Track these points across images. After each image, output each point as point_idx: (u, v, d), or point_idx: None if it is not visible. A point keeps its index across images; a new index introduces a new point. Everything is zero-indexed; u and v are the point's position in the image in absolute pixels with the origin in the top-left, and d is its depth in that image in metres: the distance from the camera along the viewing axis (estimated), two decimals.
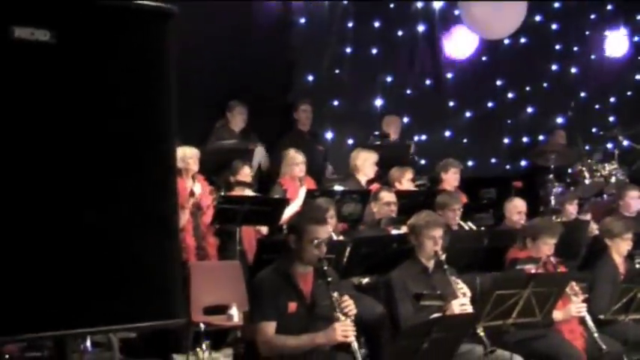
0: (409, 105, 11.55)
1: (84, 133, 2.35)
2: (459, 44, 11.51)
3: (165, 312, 2.53)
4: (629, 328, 5.94)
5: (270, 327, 4.67)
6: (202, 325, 6.37)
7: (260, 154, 8.99)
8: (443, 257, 5.65)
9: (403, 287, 5.50)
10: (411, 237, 5.77)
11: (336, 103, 10.78)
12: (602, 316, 6.04)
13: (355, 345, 4.58)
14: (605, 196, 10.17)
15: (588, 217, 8.55)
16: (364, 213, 7.65)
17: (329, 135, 10.70)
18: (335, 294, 4.66)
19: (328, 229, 5.02)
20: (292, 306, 4.72)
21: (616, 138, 11.06)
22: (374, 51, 11.20)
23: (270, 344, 4.67)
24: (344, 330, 4.57)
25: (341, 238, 6.81)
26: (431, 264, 5.69)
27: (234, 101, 9.21)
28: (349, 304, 4.72)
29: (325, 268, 4.75)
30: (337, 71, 10.80)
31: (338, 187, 8.10)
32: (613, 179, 10.14)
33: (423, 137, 11.64)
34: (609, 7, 12.87)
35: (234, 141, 8.85)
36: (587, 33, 12.94)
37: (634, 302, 5.82)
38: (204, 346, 6.32)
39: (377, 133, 9.98)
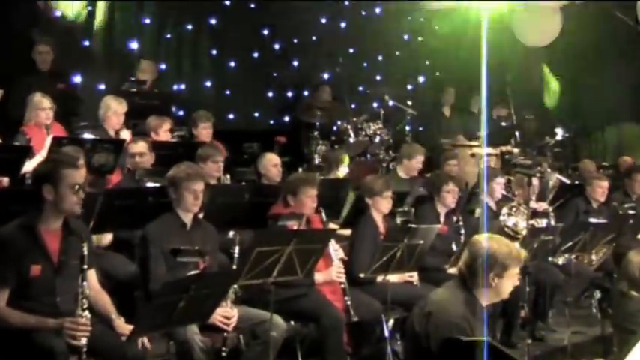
0: (167, 50, 11.43)
1: None
2: None
3: None
4: (388, 288, 6.25)
5: (1, 295, 4.54)
6: None
7: None
8: (201, 215, 5.68)
9: (159, 243, 5.46)
10: (169, 190, 5.73)
11: (87, 43, 10.44)
12: (362, 275, 6.34)
13: (84, 349, 4.46)
14: (369, 155, 10.65)
15: None
16: (117, 164, 7.51)
17: (77, 78, 10.26)
18: (81, 288, 4.52)
19: (83, 174, 4.89)
20: (36, 269, 4.61)
21: (382, 97, 11.50)
22: None
23: None
24: (77, 331, 4.46)
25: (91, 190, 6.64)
26: (189, 219, 5.70)
27: None
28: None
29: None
30: (90, 8, 10.45)
31: (88, 136, 7.88)
32: (377, 139, 10.62)
33: (182, 86, 11.56)
34: None
35: None
36: None
37: (394, 261, 6.13)
38: None
39: (133, 78, 9.76)
